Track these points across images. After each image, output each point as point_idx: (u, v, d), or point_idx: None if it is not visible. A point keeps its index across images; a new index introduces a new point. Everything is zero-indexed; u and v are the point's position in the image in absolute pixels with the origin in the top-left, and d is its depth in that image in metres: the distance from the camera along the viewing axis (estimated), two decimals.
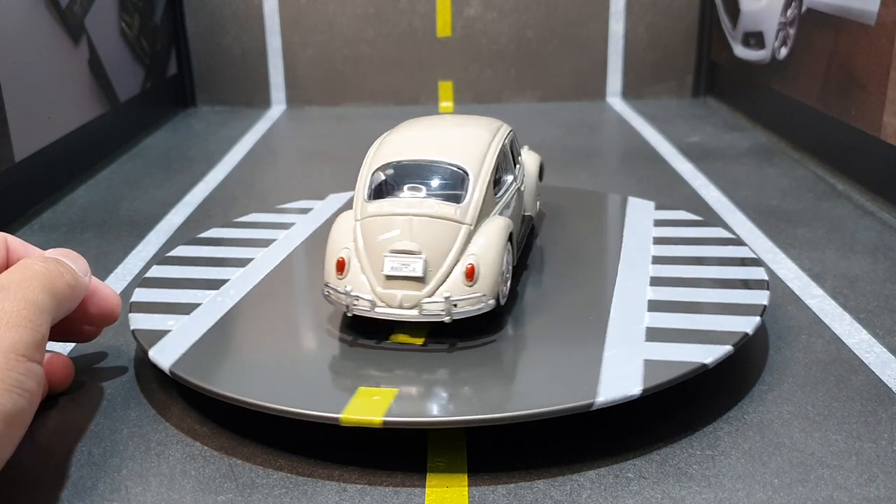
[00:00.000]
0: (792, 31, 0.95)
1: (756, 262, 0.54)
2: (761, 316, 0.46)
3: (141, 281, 0.54)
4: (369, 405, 0.39)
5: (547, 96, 1.25)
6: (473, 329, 0.46)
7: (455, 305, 0.44)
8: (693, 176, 0.84)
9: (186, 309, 0.49)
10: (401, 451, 0.40)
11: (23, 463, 0.38)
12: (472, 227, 0.46)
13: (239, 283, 0.53)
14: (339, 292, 0.45)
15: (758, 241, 0.66)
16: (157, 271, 0.55)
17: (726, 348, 0.43)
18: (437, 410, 0.39)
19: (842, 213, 0.72)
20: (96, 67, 0.94)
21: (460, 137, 0.51)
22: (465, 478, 0.38)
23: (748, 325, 0.45)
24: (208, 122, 1.15)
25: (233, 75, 1.24)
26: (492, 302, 0.45)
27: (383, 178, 0.48)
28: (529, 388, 0.40)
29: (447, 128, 0.54)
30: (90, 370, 0.48)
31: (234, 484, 0.38)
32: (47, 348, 0.41)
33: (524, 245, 0.57)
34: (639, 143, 0.99)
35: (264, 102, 1.25)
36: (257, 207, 0.74)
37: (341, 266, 0.46)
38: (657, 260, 0.55)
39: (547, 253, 0.57)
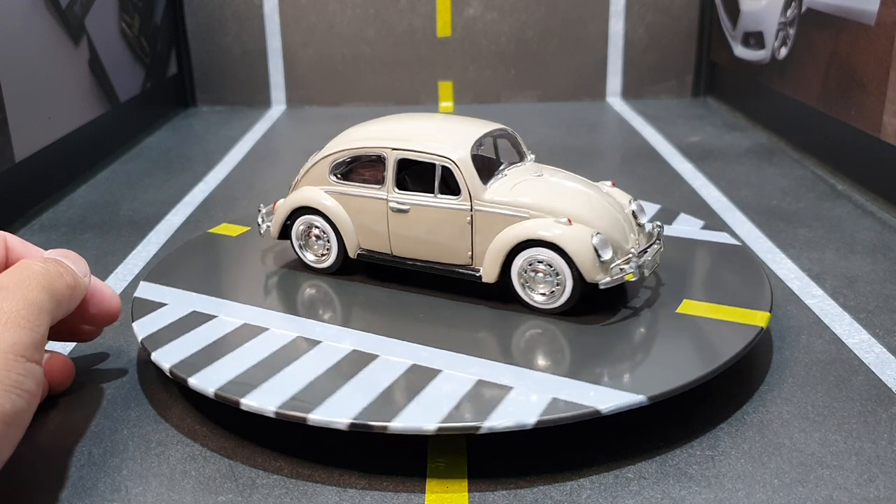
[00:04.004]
0: (792, 31, 0.95)
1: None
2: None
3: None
4: None
5: (547, 96, 1.25)
6: None
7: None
8: (693, 176, 0.84)
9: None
10: (401, 453, 0.40)
11: (23, 463, 0.38)
12: (293, 187, 0.56)
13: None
14: None
15: (758, 241, 0.66)
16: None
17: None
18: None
19: (842, 213, 0.72)
20: (96, 67, 0.94)
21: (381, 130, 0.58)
22: (465, 479, 0.38)
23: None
24: (208, 122, 1.15)
25: (233, 75, 1.24)
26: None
27: None
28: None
29: (416, 123, 0.59)
30: (90, 370, 0.48)
31: (234, 484, 0.38)
32: (47, 348, 0.41)
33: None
34: (639, 143, 0.99)
35: (264, 102, 1.25)
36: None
37: None
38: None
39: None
